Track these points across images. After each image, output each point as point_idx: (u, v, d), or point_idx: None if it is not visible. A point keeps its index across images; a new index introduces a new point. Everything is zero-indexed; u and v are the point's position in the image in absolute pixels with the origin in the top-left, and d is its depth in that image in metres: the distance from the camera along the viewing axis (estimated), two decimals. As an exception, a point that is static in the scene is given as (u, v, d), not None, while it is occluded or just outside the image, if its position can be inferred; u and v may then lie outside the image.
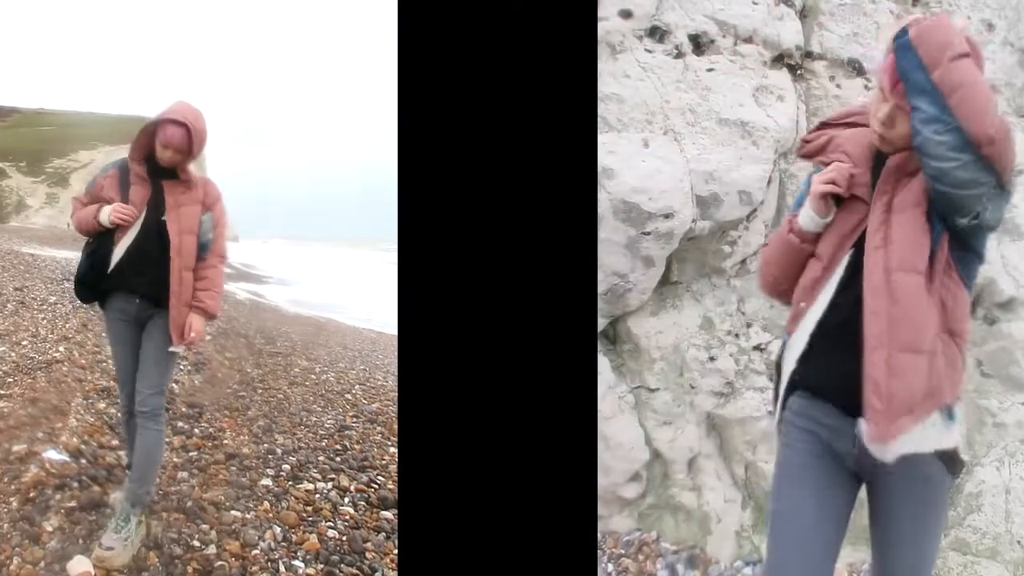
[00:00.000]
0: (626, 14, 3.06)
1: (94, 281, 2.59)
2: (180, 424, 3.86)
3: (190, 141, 2.49)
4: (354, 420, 4.53)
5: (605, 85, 3.00)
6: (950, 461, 1.58)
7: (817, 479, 1.63)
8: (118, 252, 2.55)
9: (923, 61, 1.36)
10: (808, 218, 1.64)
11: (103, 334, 6.03)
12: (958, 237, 1.50)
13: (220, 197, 2.70)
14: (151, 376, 2.55)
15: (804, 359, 1.63)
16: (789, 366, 1.67)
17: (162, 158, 2.53)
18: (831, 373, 1.59)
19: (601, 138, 2.95)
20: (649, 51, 3.08)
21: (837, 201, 1.63)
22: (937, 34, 1.38)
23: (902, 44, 1.39)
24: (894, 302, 1.45)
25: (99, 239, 2.59)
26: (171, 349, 2.55)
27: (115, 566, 2.35)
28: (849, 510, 1.67)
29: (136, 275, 2.55)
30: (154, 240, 2.55)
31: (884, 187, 1.53)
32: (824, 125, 1.74)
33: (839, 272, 1.58)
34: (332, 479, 3.37)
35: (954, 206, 1.42)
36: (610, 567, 2.93)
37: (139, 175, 2.58)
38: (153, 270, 2.54)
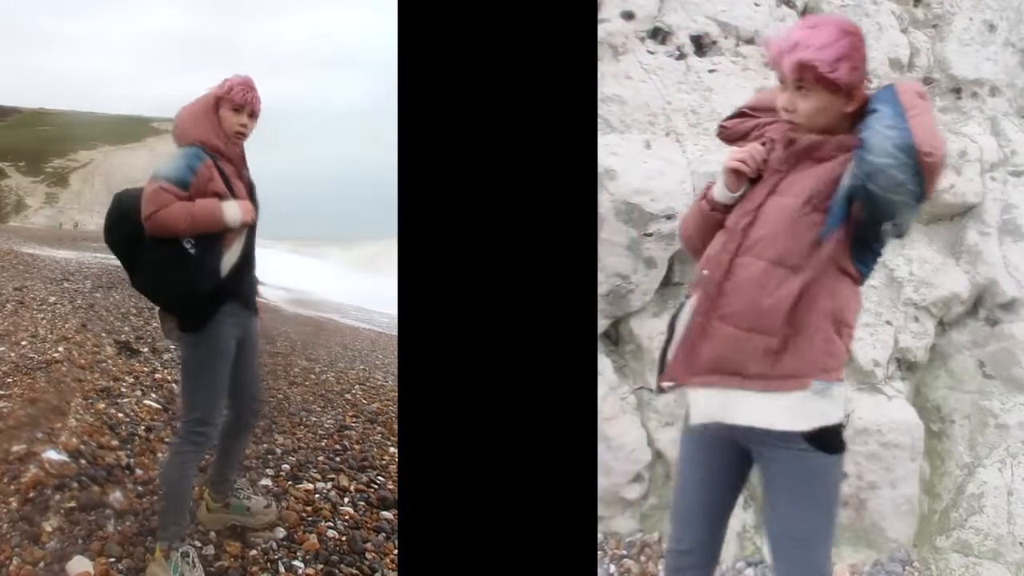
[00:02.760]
0: (628, 15, 3.06)
1: (214, 292, 2.22)
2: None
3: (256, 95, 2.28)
4: (354, 420, 4.52)
5: (607, 86, 3.00)
6: (822, 438, 1.63)
7: (704, 456, 1.79)
8: (231, 256, 2.25)
9: (896, 90, 1.54)
10: (719, 190, 1.74)
11: (103, 334, 6.03)
12: (863, 235, 1.58)
13: None
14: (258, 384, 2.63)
15: None
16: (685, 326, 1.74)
17: (238, 128, 2.25)
18: None
19: (603, 139, 2.95)
20: (651, 52, 3.08)
21: (752, 180, 1.70)
22: (914, 86, 1.64)
23: (888, 87, 1.57)
24: (727, 279, 1.62)
25: (200, 241, 2.18)
26: None
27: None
28: (737, 478, 1.81)
29: (247, 281, 2.33)
30: (251, 240, 2.33)
31: (779, 166, 1.64)
32: (744, 113, 1.82)
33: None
34: (332, 479, 3.37)
35: (878, 210, 1.50)
36: (612, 568, 2.92)
37: (235, 164, 2.31)
38: (253, 273, 2.37)
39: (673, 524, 1.86)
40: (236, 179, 2.31)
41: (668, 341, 1.77)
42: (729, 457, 1.75)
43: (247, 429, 2.62)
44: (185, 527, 2.36)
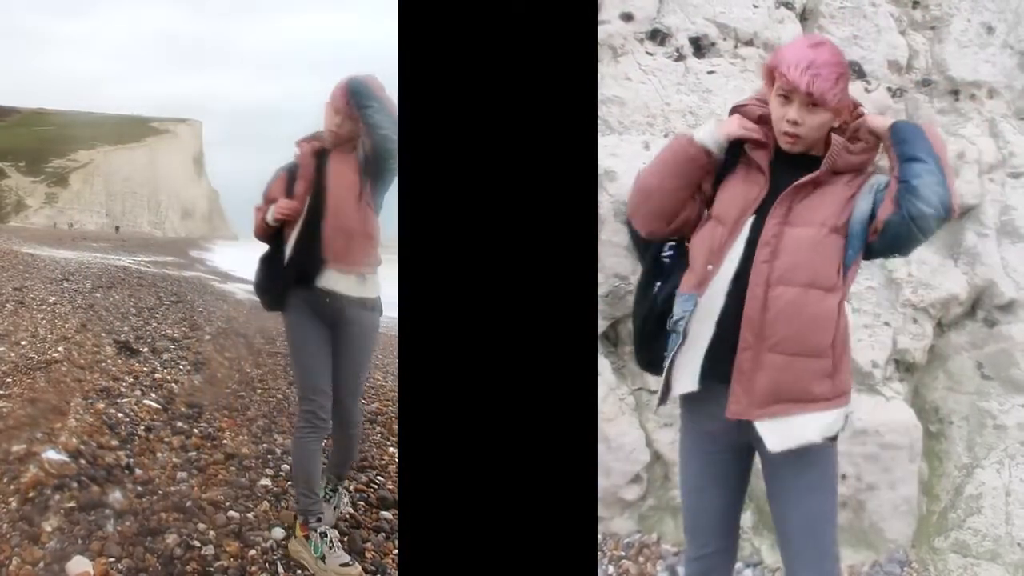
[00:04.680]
0: (627, 17, 3.06)
1: (270, 284, 2.58)
2: (180, 424, 3.86)
3: (347, 91, 2.40)
4: (354, 421, 4.51)
5: (606, 88, 3.01)
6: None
7: (713, 466, 1.83)
8: (288, 247, 2.50)
9: (927, 136, 1.66)
10: (710, 136, 1.76)
11: (103, 334, 6.03)
12: (869, 257, 1.74)
13: None
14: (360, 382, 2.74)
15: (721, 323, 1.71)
16: (705, 327, 1.72)
17: (332, 128, 2.48)
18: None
19: (602, 140, 2.95)
20: (650, 54, 3.09)
21: (736, 159, 1.77)
22: (934, 129, 1.74)
23: (914, 128, 1.70)
24: (766, 311, 1.64)
25: (274, 243, 2.57)
26: None
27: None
28: (744, 477, 1.86)
29: (306, 266, 2.46)
30: (313, 227, 2.48)
31: (784, 200, 1.68)
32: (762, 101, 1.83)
33: (744, 235, 1.71)
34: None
35: (906, 247, 1.70)
36: (611, 569, 2.93)
37: (306, 160, 2.52)
38: (313, 255, 2.46)
39: (691, 533, 1.89)
40: (301, 179, 2.53)
41: (680, 346, 1.75)
42: (736, 459, 1.82)
43: (349, 429, 2.74)
44: (317, 502, 2.56)
